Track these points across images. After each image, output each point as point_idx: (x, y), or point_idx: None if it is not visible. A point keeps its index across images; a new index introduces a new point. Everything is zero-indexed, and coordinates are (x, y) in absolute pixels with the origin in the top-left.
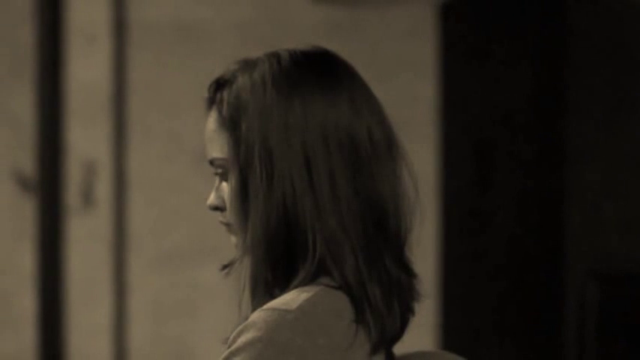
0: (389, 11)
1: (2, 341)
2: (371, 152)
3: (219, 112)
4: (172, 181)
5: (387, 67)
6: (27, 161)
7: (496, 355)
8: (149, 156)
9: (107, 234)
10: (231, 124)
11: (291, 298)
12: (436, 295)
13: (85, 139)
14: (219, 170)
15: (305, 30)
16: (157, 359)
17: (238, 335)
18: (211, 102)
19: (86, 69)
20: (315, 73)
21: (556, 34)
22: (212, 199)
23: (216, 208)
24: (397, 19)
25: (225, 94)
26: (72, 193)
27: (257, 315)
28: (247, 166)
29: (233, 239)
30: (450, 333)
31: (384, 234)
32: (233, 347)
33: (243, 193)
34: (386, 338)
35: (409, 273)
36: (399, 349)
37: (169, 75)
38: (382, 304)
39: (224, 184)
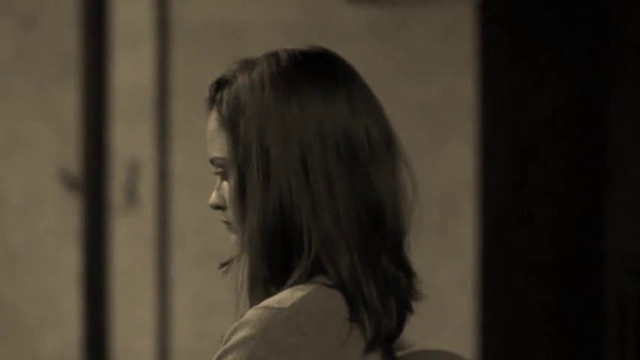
0: (429, 11)
1: (48, 338)
2: (368, 152)
3: (219, 111)
4: (215, 180)
5: (427, 67)
6: (72, 161)
7: (534, 355)
8: (192, 155)
9: (151, 232)
10: (230, 124)
11: (285, 297)
12: (475, 295)
13: (129, 139)
14: (220, 169)
15: (346, 30)
16: (199, 356)
17: (233, 333)
18: (212, 102)
19: (130, 70)
20: (313, 73)
21: (599, 33)
22: (213, 198)
23: (217, 207)
24: (437, 18)
25: (225, 93)
26: (116, 192)
27: (251, 313)
28: (245, 165)
29: (233, 238)
30: (488, 332)
31: (380, 233)
32: (227, 345)
33: (241, 192)
34: (381, 336)
35: (407, 272)
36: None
37: (212, 75)
38: (378, 302)
39: (225, 183)
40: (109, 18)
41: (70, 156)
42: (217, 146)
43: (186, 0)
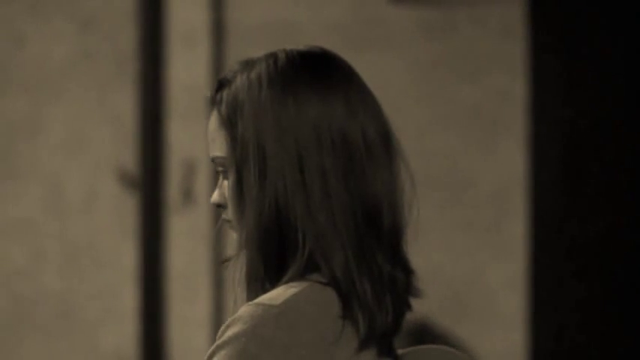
0: (480, 11)
1: (106, 334)
2: (364, 151)
3: (219, 111)
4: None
5: (478, 67)
6: (130, 160)
7: (585, 354)
8: None
9: (206, 230)
10: (229, 124)
11: (278, 293)
12: (525, 293)
13: (185, 138)
14: (220, 168)
15: (398, 31)
16: None
17: (226, 329)
18: (212, 101)
19: (186, 69)
20: (310, 72)
21: None
22: (215, 196)
23: (218, 206)
24: (488, 18)
25: (224, 93)
26: (172, 191)
27: (244, 309)
28: (243, 164)
29: (234, 236)
30: (539, 331)
31: (376, 231)
32: (220, 341)
33: (239, 190)
34: (376, 334)
35: (405, 269)
36: (483, 343)
37: None
38: (372, 300)
39: (225, 182)
40: (166, 19)
41: (128, 155)
42: (217, 145)
43: (240, 1)
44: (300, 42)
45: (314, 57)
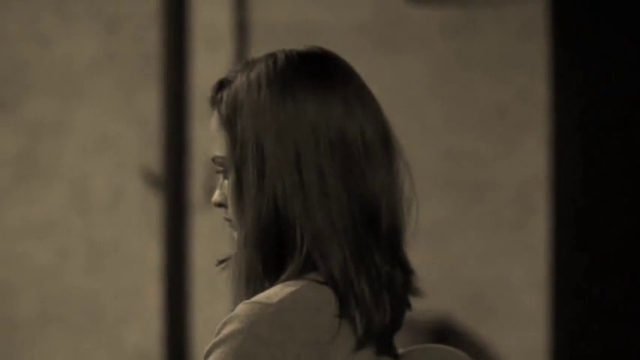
0: (502, 11)
1: (131, 331)
2: (362, 151)
3: (219, 111)
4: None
5: (499, 67)
6: (154, 159)
7: (607, 353)
8: None
9: (230, 229)
10: (229, 124)
11: (275, 292)
12: (547, 292)
13: (209, 138)
14: (221, 168)
15: (420, 31)
16: None
17: (222, 327)
18: (213, 102)
19: (209, 69)
20: (309, 73)
21: None
22: (216, 196)
23: (219, 205)
24: (510, 18)
25: (224, 94)
26: (196, 190)
27: (240, 308)
28: (242, 164)
29: (234, 235)
30: (561, 329)
31: (375, 230)
32: (216, 339)
33: (238, 190)
34: (373, 333)
35: (404, 269)
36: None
37: None
38: (370, 299)
39: (226, 181)
40: (190, 20)
41: (152, 155)
42: (218, 145)
43: (264, 2)
44: (323, 42)
45: (313, 57)
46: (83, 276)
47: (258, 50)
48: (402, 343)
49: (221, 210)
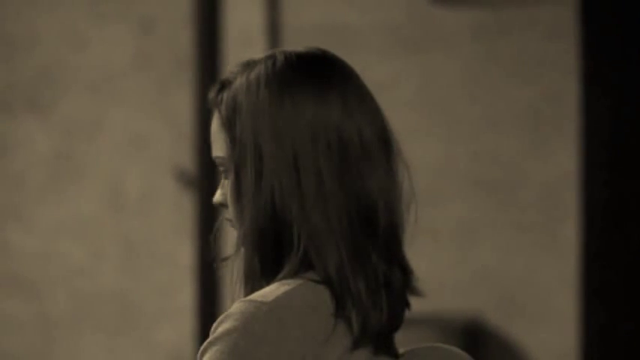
0: (532, 12)
1: (163, 331)
2: (360, 151)
3: (219, 112)
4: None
5: (529, 67)
6: (187, 159)
7: (635, 353)
8: None
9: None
10: (228, 124)
11: (270, 291)
12: (577, 292)
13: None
14: (221, 168)
15: (450, 32)
16: None
17: (218, 325)
18: (214, 103)
19: None
20: (307, 73)
21: None
22: (217, 196)
23: (221, 205)
24: (540, 18)
25: (225, 94)
26: None
27: (236, 306)
28: (241, 164)
29: (235, 234)
30: (591, 330)
31: (372, 230)
32: (212, 337)
33: (237, 190)
34: (370, 333)
35: (403, 268)
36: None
37: None
38: (367, 298)
39: (226, 181)
40: (222, 21)
41: (185, 154)
42: (218, 146)
43: (296, 3)
44: (353, 44)
45: (312, 58)
46: (116, 275)
47: None
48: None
49: (223, 210)
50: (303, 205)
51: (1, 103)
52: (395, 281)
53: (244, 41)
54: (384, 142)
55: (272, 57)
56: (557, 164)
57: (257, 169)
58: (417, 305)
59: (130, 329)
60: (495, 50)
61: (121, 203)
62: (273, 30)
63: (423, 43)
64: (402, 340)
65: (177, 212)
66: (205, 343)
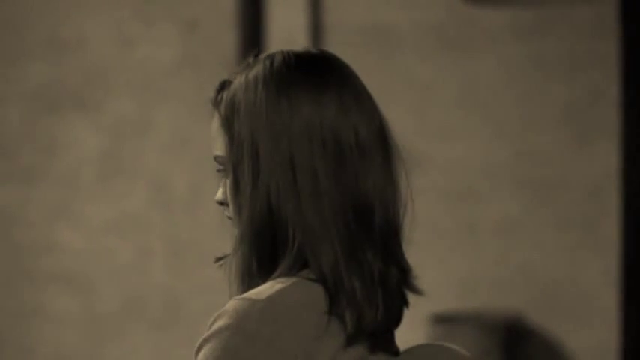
0: (572, 10)
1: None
2: (356, 150)
3: (219, 111)
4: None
5: (571, 66)
6: None
7: None
8: None
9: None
10: (227, 124)
11: (264, 289)
12: (619, 290)
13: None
14: (221, 167)
15: (491, 31)
16: None
17: (213, 322)
18: (215, 102)
19: None
20: (304, 74)
21: None
22: (218, 194)
23: (221, 204)
24: (581, 17)
25: (224, 94)
26: None
27: (230, 303)
28: (238, 163)
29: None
30: (632, 327)
31: (367, 229)
32: (206, 334)
33: (235, 189)
34: (365, 330)
35: (400, 266)
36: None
37: (364, 76)
38: (362, 296)
39: (227, 180)
40: (266, 22)
41: None
42: (218, 145)
43: (338, 4)
44: (395, 44)
45: (309, 58)
46: (164, 272)
47: (332, 51)
48: (473, 341)
49: (224, 208)
50: (298, 203)
51: (50, 104)
52: (391, 279)
53: (287, 42)
54: (382, 142)
55: (271, 57)
56: (599, 163)
57: (254, 168)
58: (458, 303)
59: (176, 325)
60: (536, 50)
61: (167, 201)
62: (316, 30)
63: (464, 43)
64: (443, 337)
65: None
66: (200, 340)
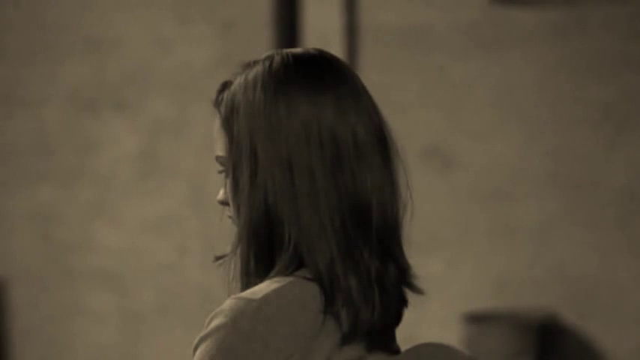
0: (609, 10)
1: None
2: (353, 150)
3: (220, 112)
4: (401, 177)
5: (607, 67)
6: None
7: None
8: None
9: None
10: (227, 124)
11: (260, 288)
12: None
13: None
14: (223, 167)
15: (528, 30)
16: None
17: (210, 321)
18: (216, 103)
19: None
20: (302, 74)
21: None
22: (220, 194)
23: (224, 203)
24: (617, 17)
25: (225, 95)
26: None
27: (227, 303)
28: (237, 163)
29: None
30: None
31: (364, 228)
32: (203, 333)
33: (234, 189)
34: (360, 329)
35: (398, 265)
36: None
37: (398, 76)
38: (358, 295)
39: (228, 180)
40: (301, 22)
41: None
42: (219, 145)
43: (373, 4)
44: (430, 44)
45: (308, 59)
46: (199, 271)
47: (368, 52)
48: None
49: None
50: (295, 203)
51: (88, 104)
52: (389, 278)
53: (322, 42)
54: (380, 142)
55: (270, 58)
56: (634, 163)
57: (252, 168)
58: (493, 303)
59: None
60: (572, 50)
61: (203, 200)
62: (351, 31)
63: (499, 43)
64: (477, 337)
65: None
66: (197, 339)
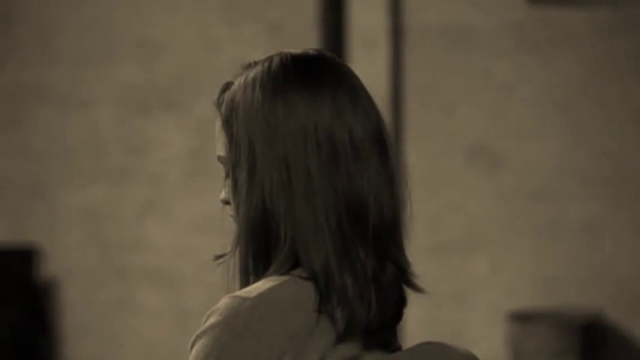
0: None
1: None
2: (350, 150)
3: (220, 112)
4: (447, 177)
5: None
6: None
7: None
8: (425, 152)
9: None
10: (227, 124)
11: (255, 287)
12: None
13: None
14: (224, 167)
15: (571, 30)
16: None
17: (206, 319)
18: (217, 103)
19: (366, 71)
20: (300, 75)
21: None
22: (222, 194)
23: (225, 203)
24: None
25: (226, 95)
26: None
27: (222, 301)
28: (236, 163)
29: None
30: None
31: (361, 228)
32: (199, 330)
33: (234, 189)
34: (356, 328)
35: (397, 264)
36: None
37: (444, 76)
38: (353, 294)
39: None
40: (347, 23)
41: None
42: (220, 145)
43: (418, 5)
44: (475, 44)
45: (306, 60)
46: None
47: (413, 52)
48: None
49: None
50: (291, 202)
51: (139, 105)
52: (386, 277)
53: (368, 43)
54: (378, 142)
55: (270, 59)
56: None
57: (250, 168)
58: (538, 301)
59: None
60: (615, 49)
61: None
62: (396, 32)
63: (544, 43)
64: (522, 335)
65: None
66: (194, 337)
